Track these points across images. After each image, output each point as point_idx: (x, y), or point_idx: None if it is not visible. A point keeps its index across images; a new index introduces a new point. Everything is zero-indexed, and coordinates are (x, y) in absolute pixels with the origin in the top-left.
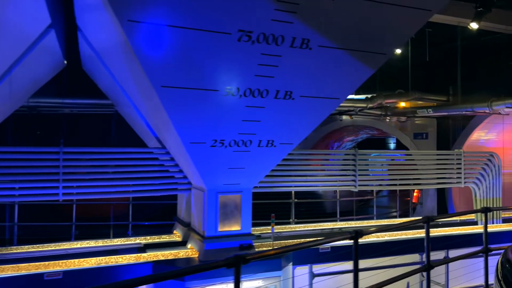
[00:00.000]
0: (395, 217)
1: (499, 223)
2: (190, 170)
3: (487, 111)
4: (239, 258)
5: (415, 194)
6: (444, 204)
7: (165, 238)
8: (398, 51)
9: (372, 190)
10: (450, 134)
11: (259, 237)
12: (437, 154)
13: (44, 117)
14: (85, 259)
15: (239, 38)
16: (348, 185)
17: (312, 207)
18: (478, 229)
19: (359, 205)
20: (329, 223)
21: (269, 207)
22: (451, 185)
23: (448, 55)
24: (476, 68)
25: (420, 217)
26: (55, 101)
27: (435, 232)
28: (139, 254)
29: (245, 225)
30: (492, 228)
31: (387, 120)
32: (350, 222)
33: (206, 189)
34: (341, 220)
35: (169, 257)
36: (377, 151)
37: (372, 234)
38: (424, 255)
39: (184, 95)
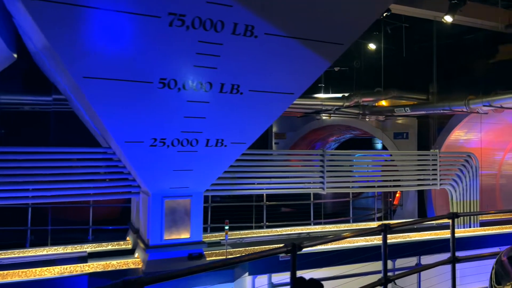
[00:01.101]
0: (373, 219)
1: (477, 227)
2: (133, 172)
3: (465, 110)
4: (125, 283)
5: (397, 195)
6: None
7: (114, 246)
8: (372, 46)
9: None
10: (430, 134)
11: (218, 243)
12: (412, 155)
13: (6, 115)
14: (9, 271)
15: (171, 22)
16: (315, 187)
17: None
18: (455, 233)
19: (344, 207)
20: (303, 227)
21: (245, 209)
22: (426, 187)
23: (429, 53)
24: (457, 66)
25: (377, 224)
26: (9, 97)
27: (408, 237)
28: (76, 265)
29: (195, 233)
30: (468, 232)
31: (367, 119)
32: (324, 226)
33: (150, 193)
34: (315, 224)
35: (110, 268)
36: (348, 151)
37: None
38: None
39: (112, 88)
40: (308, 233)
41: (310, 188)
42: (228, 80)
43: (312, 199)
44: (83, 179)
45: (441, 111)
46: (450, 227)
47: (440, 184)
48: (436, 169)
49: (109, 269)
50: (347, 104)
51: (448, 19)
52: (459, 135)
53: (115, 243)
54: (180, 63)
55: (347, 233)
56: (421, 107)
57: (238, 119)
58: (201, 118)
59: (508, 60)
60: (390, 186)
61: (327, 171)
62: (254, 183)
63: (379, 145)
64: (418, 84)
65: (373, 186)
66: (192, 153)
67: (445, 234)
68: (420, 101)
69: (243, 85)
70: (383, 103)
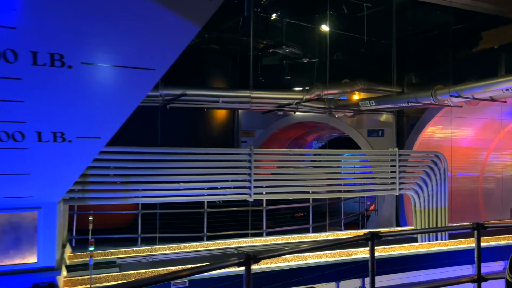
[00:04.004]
0: (340, 227)
1: (445, 239)
2: None
3: (432, 102)
4: None
5: None
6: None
7: None
8: (325, 28)
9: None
10: (405, 131)
11: (112, 263)
12: (365, 155)
13: None
14: None
15: None
16: (240, 193)
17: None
18: (418, 248)
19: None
20: (244, 239)
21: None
22: (382, 193)
23: (407, 42)
24: (437, 56)
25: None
26: None
27: (356, 253)
28: None
29: (45, 255)
30: (433, 247)
31: (336, 116)
32: (268, 238)
33: None
34: (268, 234)
35: None
36: (282, 150)
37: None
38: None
39: None
40: (236, 248)
41: (233, 194)
42: (42, 47)
43: (264, 205)
44: None
45: (408, 104)
46: (369, 251)
47: (400, 189)
48: (395, 171)
49: None
50: (307, 97)
51: None
52: (433, 132)
53: None
54: None
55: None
56: (386, 99)
57: (76, 105)
58: (17, 102)
59: (489, 50)
60: (334, 191)
61: (256, 174)
62: (146, 189)
63: None
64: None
65: (308, 192)
66: (20, 151)
67: (403, 250)
68: (393, 93)
69: (68, 54)
70: (356, 97)
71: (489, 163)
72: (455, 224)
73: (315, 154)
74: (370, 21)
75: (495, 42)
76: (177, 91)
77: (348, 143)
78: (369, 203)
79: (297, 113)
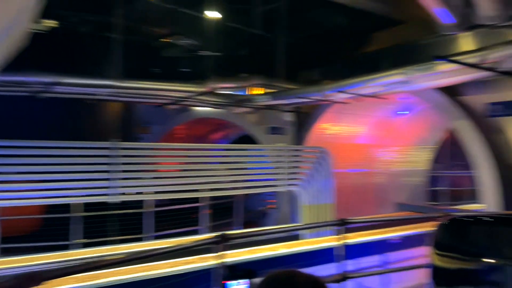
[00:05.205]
0: (230, 227)
1: (329, 235)
2: None
3: (320, 97)
4: None
5: None
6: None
7: None
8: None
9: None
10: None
11: None
12: (246, 149)
13: None
14: None
15: None
16: (96, 194)
17: None
18: (301, 245)
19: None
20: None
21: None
22: (269, 189)
23: (310, 40)
24: (335, 55)
25: None
26: None
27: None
28: None
29: None
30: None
31: (237, 112)
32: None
33: None
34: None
35: None
36: (151, 144)
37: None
38: None
39: None
40: (108, 255)
41: (87, 196)
42: None
43: (152, 208)
44: None
45: (300, 100)
46: (218, 255)
47: (288, 185)
48: (280, 167)
49: None
50: (201, 90)
51: None
52: (325, 129)
53: None
54: None
55: None
56: (278, 95)
57: None
58: None
59: (381, 50)
60: (214, 189)
61: (116, 171)
62: None
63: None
64: (298, 71)
65: (194, 190)
66: None
67: (285, 248)
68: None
69: None
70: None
71: (378, 159)
72: (320, 222)
73: (190, 149)
74: (272, 17)
75: (386, 42)
76: (46, 78)
77: (255, 141)
78: (274, 200)
79: (198, 108)
